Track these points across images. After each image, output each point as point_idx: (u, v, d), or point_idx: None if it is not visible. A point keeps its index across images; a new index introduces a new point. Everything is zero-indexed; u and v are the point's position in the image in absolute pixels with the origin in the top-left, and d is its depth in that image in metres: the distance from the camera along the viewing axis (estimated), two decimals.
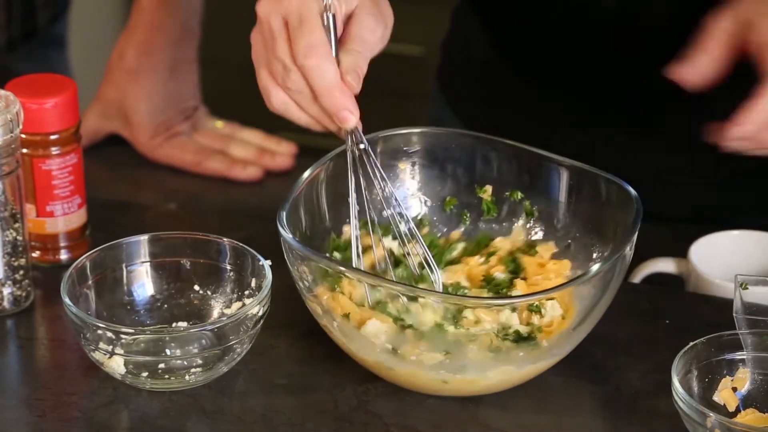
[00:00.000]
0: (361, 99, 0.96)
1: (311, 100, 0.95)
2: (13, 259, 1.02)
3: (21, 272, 1.02)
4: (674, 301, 1.05)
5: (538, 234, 1.03)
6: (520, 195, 1.03)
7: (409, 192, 1.05)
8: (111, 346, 0.94)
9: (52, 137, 1.05)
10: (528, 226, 1.03)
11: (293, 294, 1.04)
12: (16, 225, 1.01)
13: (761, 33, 0.97)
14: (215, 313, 1.01)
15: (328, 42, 0.94)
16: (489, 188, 1.04)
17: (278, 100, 0.96)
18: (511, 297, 0.98)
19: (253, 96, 1.02)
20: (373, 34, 0.97)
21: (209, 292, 1.01)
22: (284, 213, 0.96)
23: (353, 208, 0.97)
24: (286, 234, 0.94)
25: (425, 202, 1.05)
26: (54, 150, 1.05)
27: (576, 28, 1.15)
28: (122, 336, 0.95)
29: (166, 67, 1.24)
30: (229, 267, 1.01)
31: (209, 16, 1.29)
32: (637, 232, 0.95)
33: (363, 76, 0.96)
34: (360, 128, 0.97)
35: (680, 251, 1.08)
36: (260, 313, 0.96)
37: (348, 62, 0.95)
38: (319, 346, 1.00)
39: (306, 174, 1.00)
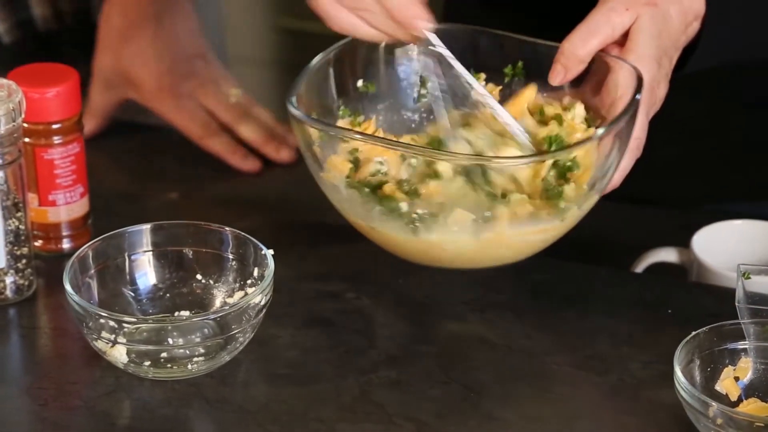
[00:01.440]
0: None
1: (381, 15, 0.97)
2: (15, 248, 1.02)
3: (23, 261, 1.02)
4: (677, 291, 1.05)
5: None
6: (518, 68, 1.03)
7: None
8: (113, 335, 0.94)
9: (55, 126, 1.05)
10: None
11: (296, 283, 1.04)
12: (19, 214, 1.01)
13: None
14: (218, 303, 1.01)
15: None
16: (482, 75, 1.03)
17: (345, 21, 0.97)
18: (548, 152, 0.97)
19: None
20: None
21: (212, 282, 1.01)
22: (293, 97, 0.96)
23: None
24: (296, 111, 0.95)
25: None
26: (56, 139, 1.05)
27: None
28: (125, 325, 0.95)
29: (153, 17, 1.22)
30: (231, 256, 1.01)
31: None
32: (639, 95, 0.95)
33: None
34: (434, 33, 0.98)
35: (683, 241, 1.08)
36: (263, 303, 0.96)
37: None
38: (321, 336, 1.00)
39: (315, 61, 1.00)
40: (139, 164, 1.24)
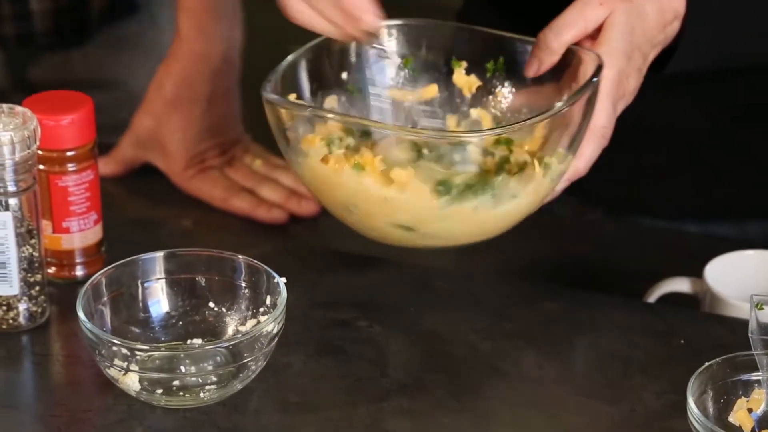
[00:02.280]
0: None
1: (331, 6, 0.99)
2: (29, 275, 1.02)
3: (37, 288, 1.03)
4: (689, 321, 1.05)
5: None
6: (499, 63, 1.05)
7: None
8: (126, 363, 0.95)
9: (69, 153, 1.05)
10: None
11: (308, 311, 1.04)
12: (33, 241, 1.02)
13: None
14: (230, 330, 1.01)
15: None
16: (464, 63, 1.06)
17: (297, 9, 0.99)
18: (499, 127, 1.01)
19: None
20: None
21: (224, 309, 1.01)
22: (269, 85, 0.99)
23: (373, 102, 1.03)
24: (270, 95, 0.98)
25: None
26: (70, 166, 1.05)
27: None
28: (137, 353, 0.95)
29: (204, 98, 1.23)
30: (244, 284, 1.01)
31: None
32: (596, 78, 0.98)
33: None
34: (382, 33, 1.01)
35: (695, 271, 1.08)
36: (275, 331, 0.96)
37: None
38: (333, 364, 1.00)
39: (290, 58, 1.02)
40: (153, 191, 1.24)
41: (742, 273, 1.08)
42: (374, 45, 1.02)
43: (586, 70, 1.00)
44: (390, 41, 1.07)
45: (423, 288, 1.08)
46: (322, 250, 1.13)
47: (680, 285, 1.08)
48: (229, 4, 1.25)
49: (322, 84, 1.05)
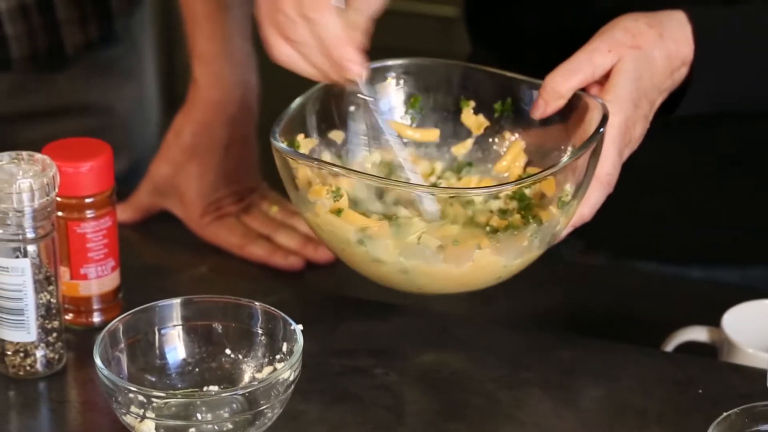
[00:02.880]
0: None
1: (317, 51, 0.99)
2: (46, 321, 1.02)
3: (54, 335, 1.03)
4: (707, 371, 1.04)
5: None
6: (507, 104, 1.06)
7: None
8: (142, 410, 0.94)
9: (88, 200, 1.05)
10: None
11: (324, 359, 1.04)
12: (50, 288, 1.02)
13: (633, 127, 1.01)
14: (246, 378, 1.01)
15: None
16: (471, 103, 1.07)
17: (282, 52, 1.00)
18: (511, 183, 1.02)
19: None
20: None
21: (241, 356, 1.01)
22: (277, 129, 1.00)
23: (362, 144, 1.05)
24: (278, 144, 0.99)
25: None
26: (89, 213, 1.06)
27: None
28: (153, 400, 0.95)
29: (222, 145, 1.23)
30: (260, 331, 1.01)
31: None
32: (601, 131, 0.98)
33: (366, 32, 1.02)
34: (365, 80, 1.01)
35: (713, 319, 1.08)
36: (291, 378, 0.96)
37: (351, 17, 1.00)
38: (350, 412, 0.99)
39: (298, 101, 1.03)
40: (170, 237, 1.25)
41: (760, 322, 1.07)
42: (359, 94, 1.02)
43: (592, 116, 1.00)
44: (399, 79, 1.08)
45: (439, 336, 1.08)
46: (339, 297, 1.13)
47: (698, 334, 1.08)
48: (243, 50, 1.25)
49: (330, 122, 1.06)
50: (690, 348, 1.09)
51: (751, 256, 1.22)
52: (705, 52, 1.02)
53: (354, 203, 1.01)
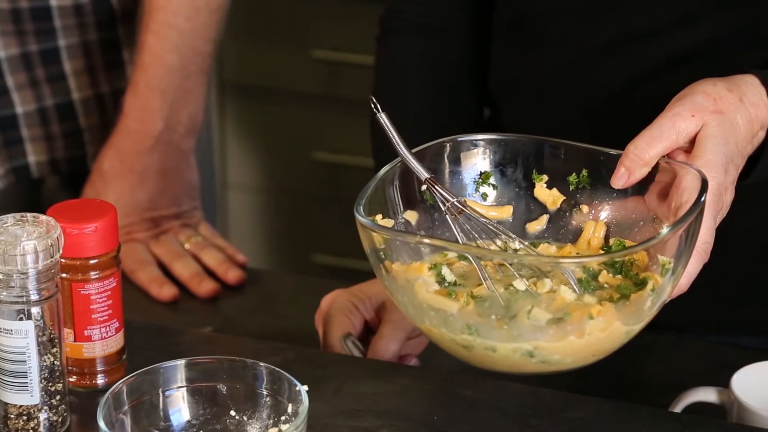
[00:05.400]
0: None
1: None
2: (50, 384, 1.01)
3: (57, 397, 1.02)
4: None
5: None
6: (583, 176, 1.03)
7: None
8: None
9: (92, 262, 1.05)
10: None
11: (330, 420, 1.03)
12: (54, 350, 1.01)
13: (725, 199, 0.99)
14: None
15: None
16: (544, 177, 1.04)
17: None
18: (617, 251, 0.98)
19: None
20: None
21: (245, 418, 1.01)
22: (361, 207, 0.97)
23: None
24: (363, 219, 0.95)
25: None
26: (93, 274, 1.05)
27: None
28: None
29: (135, 173, 1.28)
30: (265, 392, 1.00)
31: None
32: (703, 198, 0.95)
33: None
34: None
35: (722, 381, 1.07)
36: None
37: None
38: None
39: (381, 173, 1.00)
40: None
41: None
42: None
43: (684, 184, 0.96)
44: (471, 156, 1.05)
45: (447, 396, 1.07)
46: (344, 357, 1.13)
47: (707, 395, 1.07)
48: (184, 87, 1.28)
49: (407, 200, 1.03)
50: (699, 409, 1.08)
51: None
52: None
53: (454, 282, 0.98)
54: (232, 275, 1.28)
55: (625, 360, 1.00)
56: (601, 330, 0.93)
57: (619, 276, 0.97)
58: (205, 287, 1.26)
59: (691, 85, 1.01)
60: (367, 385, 1.08)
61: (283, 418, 0.99)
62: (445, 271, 0.98)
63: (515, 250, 1.01)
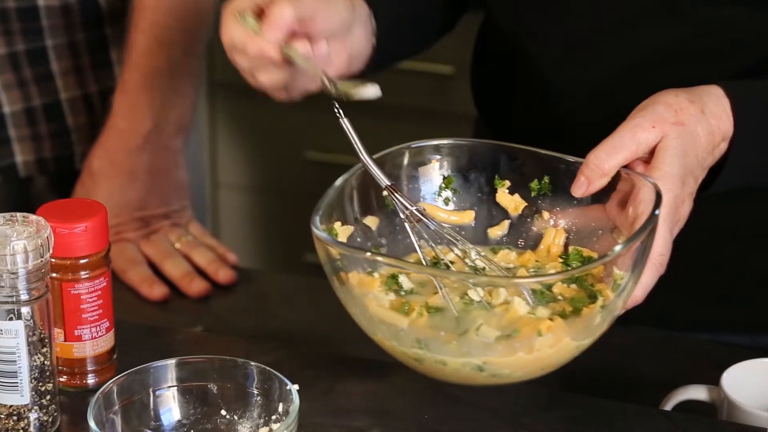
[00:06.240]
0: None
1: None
2: (40, 384, 1.01)
3: (48, 397, 1.02)
4: (707, 430, 1.03)
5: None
6: (544, 183, 1.03)
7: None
8: None
9: (82, 261, 1.05)
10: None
11: (321, 419, 1.03)
12: (44, 350, 1.01)
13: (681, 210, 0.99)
14: None
15: None
16: (506, 182, 1.04)
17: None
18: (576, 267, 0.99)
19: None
20: None
21: (236, 417, 1.01)
22: (317, 218, 0.97)
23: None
24: (320, 233, 0.96)
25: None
26: (83, 274, 1.05)
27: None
28: None
29: (124, 172, 1.28)
30: (256, 391, 1.00)
31: None
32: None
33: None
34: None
35: (712, 379, 1.07)
36: None
37: None
38: None
39: (337, 182, 1.01)
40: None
41: (760, 381, 1.07)
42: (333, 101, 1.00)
43: (642, 195, 0.97)
44: (433, 160, 1.05)
45: (437, 395, 1.07)
46: (335, 356, 1.13)
47: (697, 393, 1.07)
48: (173, 87, 1.28)
49: (367, 206, 1.03)
50: (689, 407, 1.08)
51: (761, 325, 1.20)
52: (744, 127, 1.01)
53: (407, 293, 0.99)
54: (222, 275, 1.28)
55: (616, 358, 1.01)
56: (550, 346, 0.93)
57: (573, 285, 0.97)
58: (195, 287, 1.26)
59: (653, 96, 1.01)
60: (358, 384, 1.08)
61: (273, 417, 0.99)
62: (403, 279, 0.99)
63: (473, 261, 1.01)
